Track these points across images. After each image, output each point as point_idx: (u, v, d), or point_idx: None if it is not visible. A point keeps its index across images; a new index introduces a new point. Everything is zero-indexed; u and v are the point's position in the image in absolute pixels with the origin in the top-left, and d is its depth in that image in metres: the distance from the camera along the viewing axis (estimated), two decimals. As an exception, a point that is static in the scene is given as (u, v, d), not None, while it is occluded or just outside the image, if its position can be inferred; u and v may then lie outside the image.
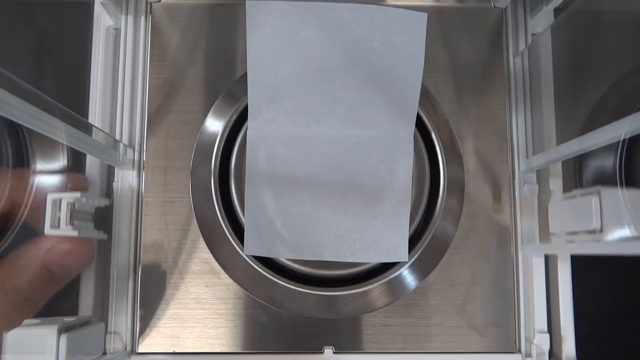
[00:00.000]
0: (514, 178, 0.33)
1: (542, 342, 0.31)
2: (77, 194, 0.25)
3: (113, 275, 0.31)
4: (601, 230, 0.23)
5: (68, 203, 0.25)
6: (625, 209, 0.22)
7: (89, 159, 0.32)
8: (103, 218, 0.31)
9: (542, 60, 0.34)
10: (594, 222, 0.23)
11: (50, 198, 0.25)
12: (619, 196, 0.23)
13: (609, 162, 0.33)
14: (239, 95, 0.32)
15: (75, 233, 0.25)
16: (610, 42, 0.36)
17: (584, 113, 0.29)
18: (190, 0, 0.34)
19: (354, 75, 0.30)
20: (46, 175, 0.27)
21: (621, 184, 0.32)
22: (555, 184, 0.32)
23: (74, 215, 0.25)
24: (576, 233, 0.26)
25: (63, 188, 0.27)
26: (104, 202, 0.29)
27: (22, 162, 0.34)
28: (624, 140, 0.33)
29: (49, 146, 0.35)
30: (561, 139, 0.33)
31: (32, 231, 0.25)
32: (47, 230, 0.24)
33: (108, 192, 0.32)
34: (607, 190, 0.24)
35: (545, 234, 0.32)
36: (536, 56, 0.34)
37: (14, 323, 0.23)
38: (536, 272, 0.32)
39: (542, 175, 0.33)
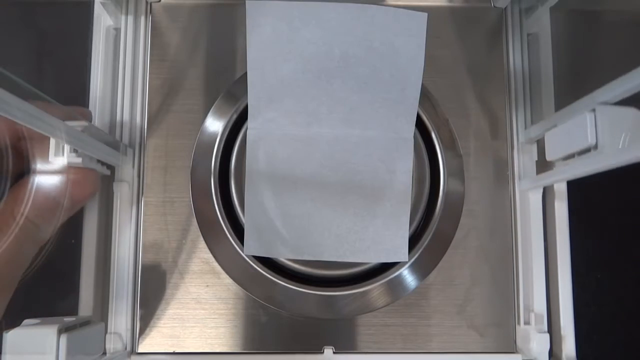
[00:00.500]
0: (513, 178, 0.33)
1: (542, 342, 0.31)
2: (82, 122, 0.26)
3: (113, 275, 0.31)
4: (596, 146, 0.24)
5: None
6: (619, 122, 0.23)
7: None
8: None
9: (542, 59, 0.34)
10: (589, 138, 0.24)
11: (53, 137, 0.25)
12: (613, 111, 0.23)
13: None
14: (239, 95, 0.32)
15: (79, 160, 0.25)
16: (611, 42, 0.36)
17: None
18: (190, 0, 0.34)
19: (354, 75, 0.30)
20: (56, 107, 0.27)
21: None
22: (560, 185, 0.32)
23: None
24: (572, 156, 0.26)
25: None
26: (106, 136, 0.29)
27: (22, 162, 0.34)
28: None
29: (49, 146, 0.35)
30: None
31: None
32: (52, 158, 0.25)
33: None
34: (602, 106, 0.24)
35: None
36: (536, 56, 0.34)
37: (25, 252, 0.24)
38: (536, 264, 0.32)
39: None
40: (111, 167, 0.32)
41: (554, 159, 0.28)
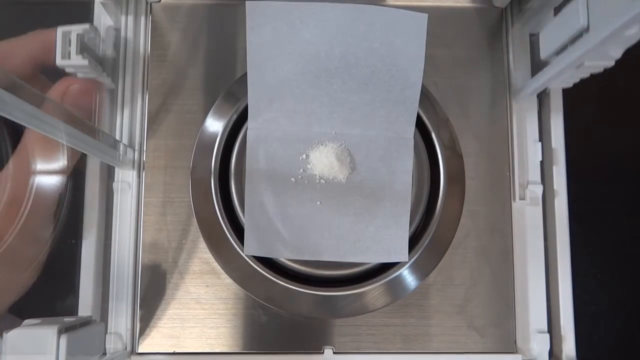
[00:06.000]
0: (513, 178, 0.33)
1: (542, 342, 0.31)
2: (86, 25, 0.27)
3: (113, 275, 0.31)
4: (587, 28, 0.24)
5: (77, 34, 0.27)
6: (611, 2, 0.23)
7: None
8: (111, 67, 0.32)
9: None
10: (580, 19, 0.24)
11: (60, 30, 0.26)
12: None
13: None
14: (239, 95, 0.32)
15: (85, 62, 0.26)
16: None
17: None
18: (190, 0, 0.34)
19: (354, 76, 0.30)
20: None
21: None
22: (560, 183, 0.32)
23: (84, 47, 0.27)
24: (565, 48, 0.27)
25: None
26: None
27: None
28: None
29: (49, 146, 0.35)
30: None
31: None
32: (59, 61, 0.26)
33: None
34: None
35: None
36: (538, 56, 0.34)
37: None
38: (535, 264, 0.32)
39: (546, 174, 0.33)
40: (111, 167, 0.32)
41: (548, 54, 0.28)
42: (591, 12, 0.24)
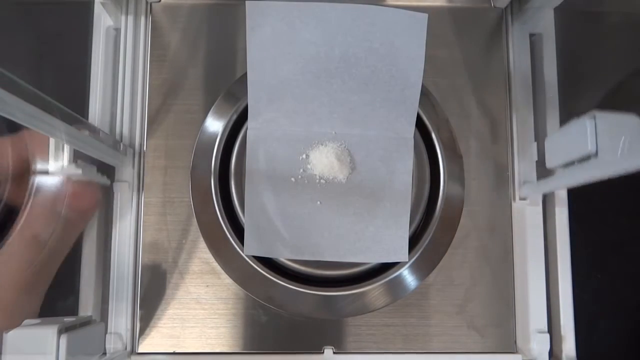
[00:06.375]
0: (513, 178, 0.33)
1: (542, 342, 0.31)
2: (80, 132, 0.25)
3: (113, 275, 0.31)
4: (596, 153, 0.23)
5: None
6: (620, 129, 0.22)
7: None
8: (106, 166, 0.31)
9: (545, 60, 0.34)
10: (589, 145, 0.23)
11: (52, 139, 0.25)
12: (614, 118, 0.23)
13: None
14: (239, 95, 0.32)
15: (79, 171, 0.25)
16: (615, 43, 0.36)
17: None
18: (190, 0, 0.34)
19: (354, 76, 0.30)
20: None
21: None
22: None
23: (77, 154, 0.25)
24: (572, 163, 0.26)
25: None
26: (106, 136, 0.29)
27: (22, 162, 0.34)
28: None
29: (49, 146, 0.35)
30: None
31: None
32: (51, 169, 0.24)
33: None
34: (602, 113, 0.23)
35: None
36: (540, 56, 0.34)
37: (42, 278, 0.24)
38: (535, 264, 0.32)
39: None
40: (111, 168, 0.32)
41: (554, 166, 0.27)
42: (600, 139, 0.23)
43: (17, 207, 0.25)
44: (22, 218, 0.25)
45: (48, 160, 0.25)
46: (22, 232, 0.25)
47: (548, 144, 0.28)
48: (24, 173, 0.25)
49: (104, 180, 0.29)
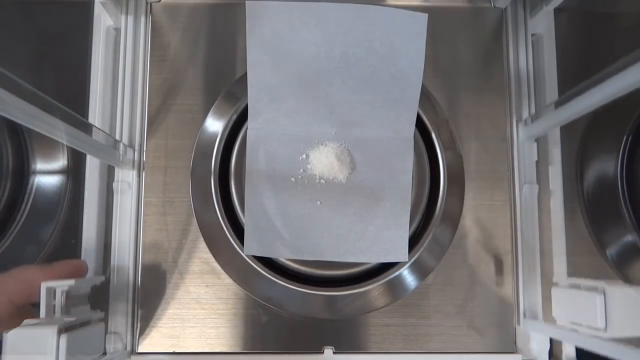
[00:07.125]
0: (513, 178, 0.33)
1: (542, 342, 0.31)
2: (72, 282, 0.25)
3: (113, 275, 0.31)
4: (605, 329, 0.23)
5: (62, 291, 0.25)
6: (630, 303, 0.22)
7: (89, 163, 0.32)
8: (99, 293, 0.30)
9: (545, 59, 0.34)
10: (598, 322, 0.23)
11: (44, 287, 0.24)
12: (624, 294, 0.23)
13: (610, 167, 0.33)
14: (239, 95, 0.32)
15: (72, 319, 0.24)
16: (615, 43, 0.36)
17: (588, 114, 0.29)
18: (190, 0, 0.34)
19: (354, 76, 0.30)
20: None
21: (622, 191, 0.32)
22: (556, 183, 0.32)
23: (69, 302, 0.25)
24: (580, 324, 0.25)
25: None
26: (99, 280, 0.28)
27: (22, 162, 0.34)
28: (624, 145, 0.33)
29: (49, 147, 0.35)
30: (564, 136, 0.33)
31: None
32: (42, 316, 0.24)
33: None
34: (612, 287, 0.23)
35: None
36: (540, 56, 0.34)
37: None
38: (535, 263, 0.32)
39: (542, 175, 0.33)
40: (111, 167, 0.32)
41: (561, 322, 0.27)
42: (609, 315, 0.23)
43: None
44: None
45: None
46: None
47: (555, 296, 0.28)
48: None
49: (97, 314, 0.28)
